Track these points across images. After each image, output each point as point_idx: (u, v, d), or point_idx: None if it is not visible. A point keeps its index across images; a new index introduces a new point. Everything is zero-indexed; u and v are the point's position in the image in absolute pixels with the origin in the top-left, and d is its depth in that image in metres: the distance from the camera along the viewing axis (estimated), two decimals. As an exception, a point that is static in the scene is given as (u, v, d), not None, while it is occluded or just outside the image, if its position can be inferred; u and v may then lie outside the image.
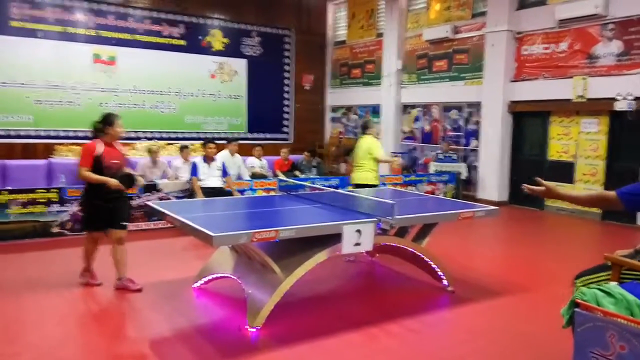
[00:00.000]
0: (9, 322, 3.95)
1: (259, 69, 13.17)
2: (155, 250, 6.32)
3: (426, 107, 12.05)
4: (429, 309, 4.48)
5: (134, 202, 6.92)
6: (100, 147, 4.54)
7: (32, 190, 6.64)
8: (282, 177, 9.28)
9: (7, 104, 10.14)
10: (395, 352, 3.58)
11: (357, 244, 3.94)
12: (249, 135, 13.11)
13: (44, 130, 10.56)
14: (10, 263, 5.65)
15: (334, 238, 3.89)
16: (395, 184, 9.15)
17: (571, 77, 9.01)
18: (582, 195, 2.91)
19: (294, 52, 13.81)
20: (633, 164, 8.29)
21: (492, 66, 10.20)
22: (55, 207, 6.69)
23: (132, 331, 3.97)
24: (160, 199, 7.30)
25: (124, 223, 4.74)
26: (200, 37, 12.30)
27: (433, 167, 10.93)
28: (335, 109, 14.70)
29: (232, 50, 12.75)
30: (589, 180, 9.04)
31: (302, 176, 9.92)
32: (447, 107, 11.55)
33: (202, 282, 4.74)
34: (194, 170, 7.30)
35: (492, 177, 10.30)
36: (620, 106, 8.26)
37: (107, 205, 4.56)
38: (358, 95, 13.75)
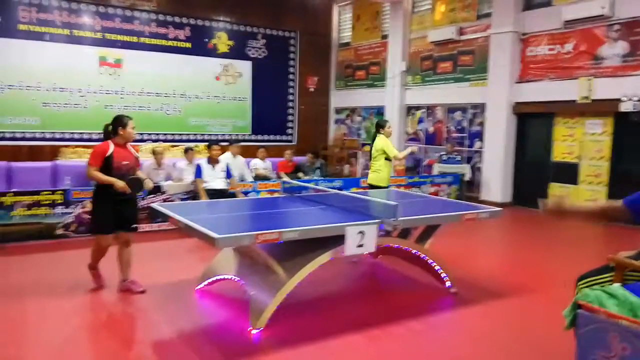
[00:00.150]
0: (13, 324, 3.96)
1: (264, 71, 13.20)
2: (158, 252, 6.34)
3: (430, 109, 12.04)
4: (432, 310, 4.47)
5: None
6: (111, 148, 4.54)
7: (37, 192, 6.66)
8: (285, 178, 9.29)
9: (14, 106, 10.22)
10: (398, 354, 3.57)
11: (360, 246, 3.94)
12: (253, 137, 13.15)
13: (50, 132, 10.64)
14: (14, 265, 5.67)
15: (337, 239, 3.89)
16: (399, 185, 9.13)
17: (576, 78, 8.97)
18: (594, 208, 2.78)
19: (299, 54, 13.83)
20: (637, 166, 8.23)
21: (497, 67, 10.18)
22: (60, 209, 6.72)
23: (135, 333, 3.98)
24: (164, 200, 7.32)
25: (134, 225, 4.76)
26: (205, 40, 12.35)
27: (437, 168, 10.92)
28: (339, 111, 14.71)
29: (237, 52, 12.79)
30: (593, 181, 8.99)
31: (306, 178, 9.93)
32: (451, 109, 11.54)
33: (205, 283, 4.74)
34: (198, 172, 7.32)
35: (496, 178, 10.27)
36: (625, 107, 8.22)
37: (116, 207, 4.56)
38: (362, 97, 13.75)
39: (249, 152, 10.80)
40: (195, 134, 12.30)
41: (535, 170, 9.96)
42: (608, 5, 8.39)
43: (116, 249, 4.71)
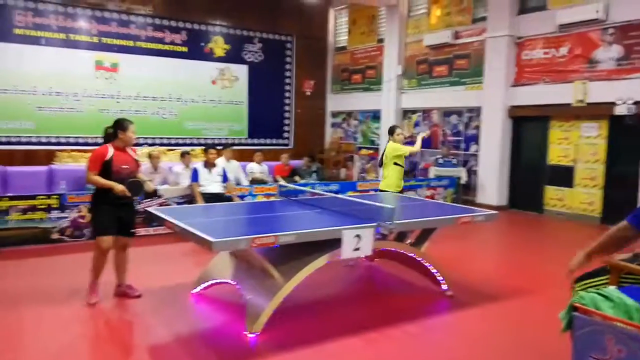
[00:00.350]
0: (8, 330, 3.94)
1: (260, 74, 13.21)
2: (154, 256, 6.33)
3: (426, 112, 12.07)
4: (428, 313, 4.48)
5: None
6: (110, 152, 4.49)
7: (33, 197, 6.64)
8: (282, 182, 9.29)
9: (9, 110, 10.19)
10: (395, 356, 3.57)
11: (357, 249, 3.94)
12: (250, 141, 13.14)
13: (45, 136, 10.60)
14: (10, 269, 5.64)
15: (334, 243, 3.89)
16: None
17: (571, 82, 9.02)
18: (606, 239, 2.70)
19: (295, 57, 13.85)
20: (632, 168, 8.28)
21: (492, 71, 10.22)
22: (55, 214, 6.69)
23: (131, 337, 3.97)
24: (160, 204, 7.31)
25: (133, 230, 4.73)
26: (202, 44, 12.35)
27: (433, 171, 10.93)
28: (335, 115, 14.72)
29: (233, 56, 12.79)
30: (588, 184, 9.03)
31: (302, 181, 9.93)
32: (447, 112, 11.57)
33: (201, 287, 4.73)
34: (195, 175, 7.31)
35: (492, 181, 10.29)
36: (620, 111, 8.26)
37: (116, 211, 4.51)
38: (358, 101, 13.78)
39: (245, 156, 10.79)
40: (191, 138, 12.29)
41: (531, 174, 9.99)
42: (602, 9, 8.45)
43: (112, 254, 4.68)
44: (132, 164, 4.65)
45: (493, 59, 10.18)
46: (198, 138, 12.33)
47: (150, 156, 8.70)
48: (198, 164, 7.58)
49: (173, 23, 11.92)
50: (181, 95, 12.11)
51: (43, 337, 3.81)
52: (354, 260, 5.58)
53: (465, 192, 10.73)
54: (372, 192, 6.43)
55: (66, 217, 6.75)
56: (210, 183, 7.32)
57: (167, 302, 4.56)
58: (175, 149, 11.20)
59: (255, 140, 13.24)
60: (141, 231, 7.15)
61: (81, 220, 6.78)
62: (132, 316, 4.33)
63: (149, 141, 11.51)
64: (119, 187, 4.41)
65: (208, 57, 12.45)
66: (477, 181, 10.69)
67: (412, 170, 12.13)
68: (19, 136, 10.33)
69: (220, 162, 8.06)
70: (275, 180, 9.89)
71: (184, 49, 12.08)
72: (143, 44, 11.56)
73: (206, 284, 4.69)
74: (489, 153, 10.35)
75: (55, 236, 6.70)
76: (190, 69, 12.17)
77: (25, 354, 3.51)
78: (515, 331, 4.09)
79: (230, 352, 3.59)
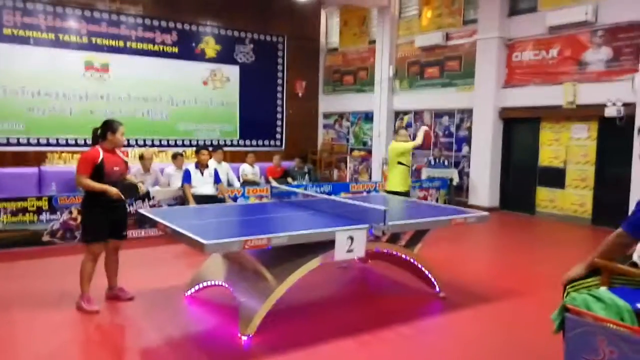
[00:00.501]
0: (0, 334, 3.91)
1: (252, 75, 13.18)
2: (146, 258, 6.29)
3: (418, 114, 12.11)
4: (421, 315, 4.49)
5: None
6: (100, 154, 4.38)
7: (23, 199, 6.58)
8: (274, 183, 9.28)
9: (-2, 111, 10.09)
10: (388, 358, 3.57)
11: (350, 251, 3.94)
12: (241, 142, 13.10)
13: (35, 137, 10.50)
14: (0, 272, 5.58)
15: (327, 245, 3.89)
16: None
17: (561, 84, 9.09)
18: (605, 248, 2.69)
19: (287, 58, 13.83)
20: (622, 170, 8.35)
21: (483, 73, 10.28)
22: (46, 216, 6.63)
23: (124, 340, 3.94)
24: (152, 206, 7.26)
25: (125, 233, 4.67)
26: (193, 44, 12.30)
27: (425, 173, 10.97)
28: (327, 116, 14.73)
29: (224, 57, 12.75)
30: (579, 185, 9.11)
31: (295, 183, 9.92)
32: (438, 114, 11.62)
33: (193, 290, 4.71)
34: (186, 177, 7.27)
35: (484, 183, 10.35)
36: (609, 112, 8.34)
37: (108, 214, 4.44)
38: (350, 102, 13.79)
39: (237, 157, 10.76)
40: (182, 139, 12.24)
41: (522, 175, 10.05)
42: (591, 11, 8.52)
43: (103, 257, 4.63)
44: (122, 166, 4.57)
45: (484, 61, 10.23)
46: (189, 139, 12.28)
47: (141, 157, 8.63)
48: (190, 165, 7.55)
49: (164, 23, 11.86)
50: (172, 96, 12.04)
51: (34, 340, 3.77)
52: (347, 262, 5.57)
53: (457, 193, 10.78)
54: (373, 194, 6.45)
55: (57, 219, 6.69)
56: (202, 184, 7.28)
57: (159, 305, 4.53)
58: (166, 150, 11.14)
59: (247, 142, 13.20)
60: (133, 233, 7.10)
61: (72, 222, 6.73)
62: (123, 319, 4.30)
63: (140, 142, 11.44)
64: (114, 191, 4.32)
65: (199, 57, 12.40)
66: (468, 182, 10.74)
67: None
68: (8, 137, 10.22)
69: (212, 163, 8.03)
70: (268, 182, 9.87)
71: (175, 49, 12.02)
72: (133, 45, 11.49)
73: (199, 286, 4.66)
74: (481, 154, 10.41)
75: (46, 238, 6.64)
76: (181, 69, 12.11)
77: (16, 358, 3.47)
78: (507, 332, 4.11)
79: (223, 354, 3.57)
